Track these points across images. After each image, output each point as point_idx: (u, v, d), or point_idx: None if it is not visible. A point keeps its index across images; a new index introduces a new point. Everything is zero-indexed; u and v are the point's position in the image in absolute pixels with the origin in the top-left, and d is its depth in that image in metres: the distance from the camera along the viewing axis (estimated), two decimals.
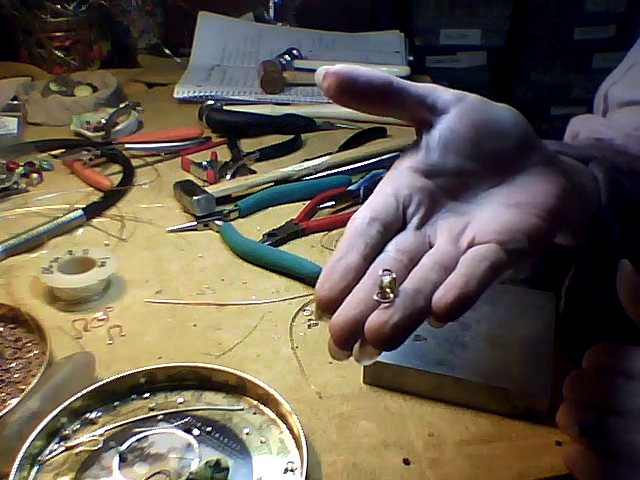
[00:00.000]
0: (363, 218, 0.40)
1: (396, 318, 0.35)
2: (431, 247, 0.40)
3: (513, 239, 0.40)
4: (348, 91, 0.40)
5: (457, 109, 0.43)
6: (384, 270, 0.36)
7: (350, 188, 0.84)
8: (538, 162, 0.44)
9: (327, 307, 0.36)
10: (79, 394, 0.51)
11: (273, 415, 0.52)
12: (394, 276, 0.36)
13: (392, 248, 0.39)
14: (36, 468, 0.48)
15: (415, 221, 0.41)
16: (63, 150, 0.96)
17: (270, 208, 0.84)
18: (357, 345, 0.36)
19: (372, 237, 0.39)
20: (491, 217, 0.41)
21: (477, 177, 0.43)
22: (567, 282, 0.53)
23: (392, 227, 0.40)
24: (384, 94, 0.41)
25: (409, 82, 0.43)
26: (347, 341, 0.36)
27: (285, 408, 0.50)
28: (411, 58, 1.31)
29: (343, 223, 0.79)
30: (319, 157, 0.92)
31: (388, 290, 0.35)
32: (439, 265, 0.38)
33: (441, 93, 0.43)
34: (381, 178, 0.86)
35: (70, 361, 0.55)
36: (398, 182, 0.42)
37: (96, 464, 0.48)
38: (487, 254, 0.38)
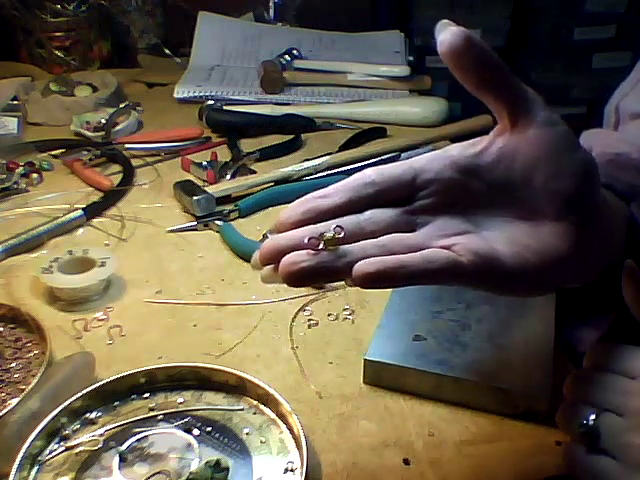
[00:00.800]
0: (367, 177, 0.41)
1: (304, 265, 0.38)
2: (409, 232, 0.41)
3: (487, 269, 0.40)
4: (463, 51, 0.39)
5: (538, 132, 0.41)
6: (337, 226, 0.39)
7: None
8: (576, 222, 0.42)
9: (278, 229, 0.41)
10: (79, 394, 0.51)
11: (273, 415, 0.52)
12: (338, 236, 0.38)
13: (368, 215, 0.41)
14: (36, 468, 0.48)
15: (416, 205, 0.42)
16: (63, 150, 0.96)
17: (270, 208, 0.84)
18: (271, 266, 0.40)
19: (359, 196, 0.41)
20: (486, 241, 0.42)
21: (511, 204, 0.43)
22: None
23: (387, 197, 0.42)
24: (496, 72, 0.40)
25: (518, 80, 0.41)
26: (266, 260, 0.39)
27: (285, 408, 0.50)
28: (411, 58, 1.31)
29: None
30: (319, 157, 0.92)
31: (323, 242, 0.38)
32: (388, 247, 0.39)
33: (538, 108, 0.42)
34: None
35: (70, 361, 0.55)
36: (430, 164, 0.42)
37: (96, 464, 0.48)
38: (442, 260, 0.39)
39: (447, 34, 0.39)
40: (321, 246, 0.38)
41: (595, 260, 0.45)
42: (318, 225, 0.40)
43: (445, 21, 0.40)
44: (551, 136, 0.41)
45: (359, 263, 0.38)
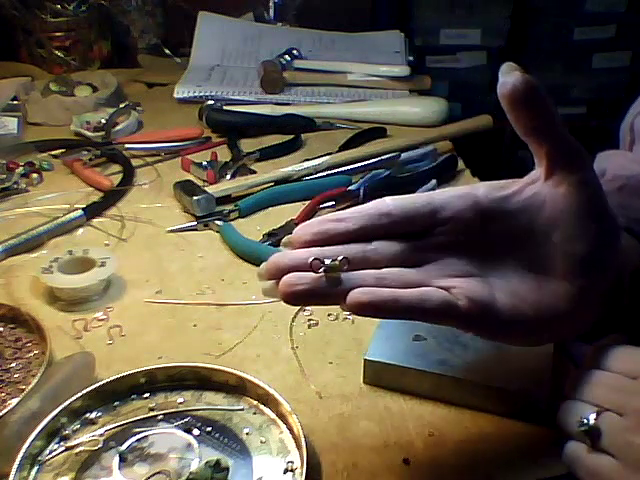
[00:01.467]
0: (385, 206, 0.42)
1: (301, 287, 0.39)
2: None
3: (482, 316, 0.41)
4: (523, 99, 0.40)
5: (570, 189, 0.41)
6: (344, 258, 0.40)
7: (350, 188, 0.84)
8: (582, 286, 0.42)
9: (290, 245, 0.43)
10: (79, 394, 0.51)
11: (273, 415, 0.52)
12: (342, 267, 0.40)
13: (375, 245, 0.42)
14: (36, 468, 0.48)
15: (426, 242, 0.43)
16: (63, 150, 0.96)
17: (270, 208, 0.84)
18: (273, 281, 0.41)
19: (373, 225, 0.42)
20: (488, 288, 0.42)
21: (525, 256, 0.43)
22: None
23: (401, 229, 0.43)
24: (548, 122, 0.41)
25: (566, 131, 0.42)
26: (269, 275, 0.42)
27: (285, 408, 0.50)
28: (411, 58, 1.31)
29: None
30: (319, 157, 0.92)
31: (324, 268, 0.40)
32: (387, 280, 0.40)
33: (578, 165, 0.42)
34: (381, 178, 0.86)
35: (70, 361, 0.55)
36: (452, 202, 0.43)
37: (96, 464, 0.48)
38: (438, 301, 0.40)
39: (511, 78, 0.40)
40: (322, 270, 0.40)
41: (596, 314, 0.45)
42: (325, 249, 0.41)
43: (511, 64, 0.41)
44: (582, 197, 0.41)
45: (354, 291, 0.39)
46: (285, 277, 0.40)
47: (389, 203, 0.43)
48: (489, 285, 0.42)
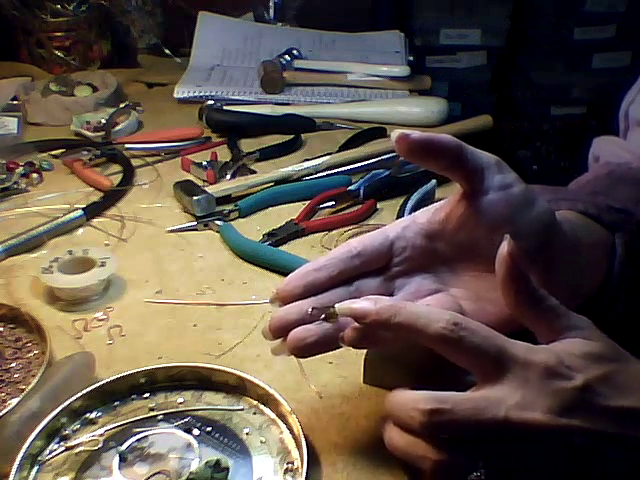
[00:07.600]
0: (353, 248, 0.47)
1: (311, 340, 0.43)
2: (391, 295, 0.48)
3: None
4: (411, 151, 0.44)
5: (494, 197, 0.45)
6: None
7: (350, 188, 0.84)
8: (535, 272, 0.45)
9: (281, 299, 0.46)
10: (79, 394, 0.51)
11: (273, 415, 0.52)
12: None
13: (356, 286, 0.48)
14: (36, 468, 0.48)
15: (393, 271, 0.49)
16: (63, 150, 0.96)
17: (270, 208, 0.84)
18: (279, 340, 0.45)
19: (347, 267, 0.47)
20: (453, 299, 0.47)
21: (477, 260, 0.47)
22: None
23: (372, 265, 0.48)
24: (446, 155, 0.44)
25: (473, 151, 0.44)
26: (276, 333, 0.45)
27: (285, 408, 0.50)
28: (411, 58, 1.31)
29: (343, 223, 0.79)
30: (319, 157, 0.92)
31: (324, 315, 0.44)
32: None
33: (492, 174, 0.45)
34: (381, 178, 0.86)
35: (70, 361, 0.55)
36: (403, 233, 0.48)
37: (96, 464, 0.48)
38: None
39: (396, 146, 0.45)
40: (322, 317, 0.44)
41: (566, 297, 0.46)
42: (317, 298, 0.46)
43: (396, 130, 0.45)
44: (507, 199, 0.45)
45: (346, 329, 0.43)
46: (293, 332, 0.43)
47: (356, 245, 0.48)
48: (453, 296, 0.47)
